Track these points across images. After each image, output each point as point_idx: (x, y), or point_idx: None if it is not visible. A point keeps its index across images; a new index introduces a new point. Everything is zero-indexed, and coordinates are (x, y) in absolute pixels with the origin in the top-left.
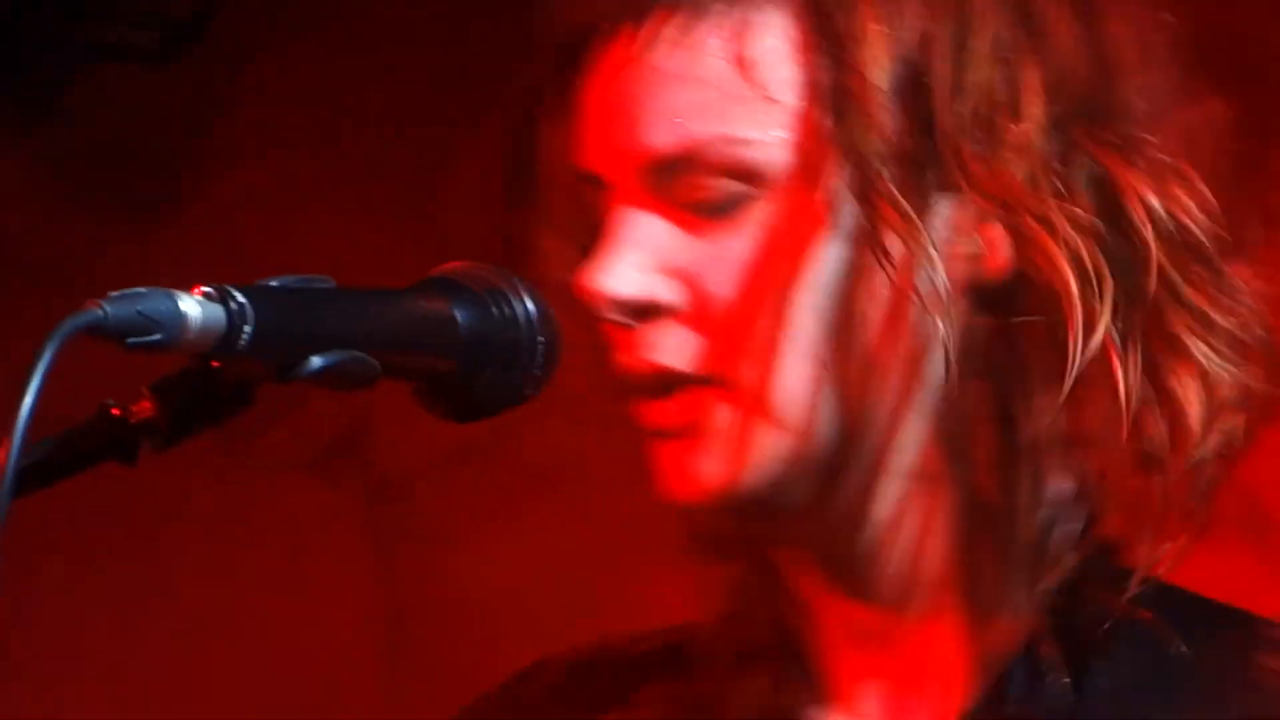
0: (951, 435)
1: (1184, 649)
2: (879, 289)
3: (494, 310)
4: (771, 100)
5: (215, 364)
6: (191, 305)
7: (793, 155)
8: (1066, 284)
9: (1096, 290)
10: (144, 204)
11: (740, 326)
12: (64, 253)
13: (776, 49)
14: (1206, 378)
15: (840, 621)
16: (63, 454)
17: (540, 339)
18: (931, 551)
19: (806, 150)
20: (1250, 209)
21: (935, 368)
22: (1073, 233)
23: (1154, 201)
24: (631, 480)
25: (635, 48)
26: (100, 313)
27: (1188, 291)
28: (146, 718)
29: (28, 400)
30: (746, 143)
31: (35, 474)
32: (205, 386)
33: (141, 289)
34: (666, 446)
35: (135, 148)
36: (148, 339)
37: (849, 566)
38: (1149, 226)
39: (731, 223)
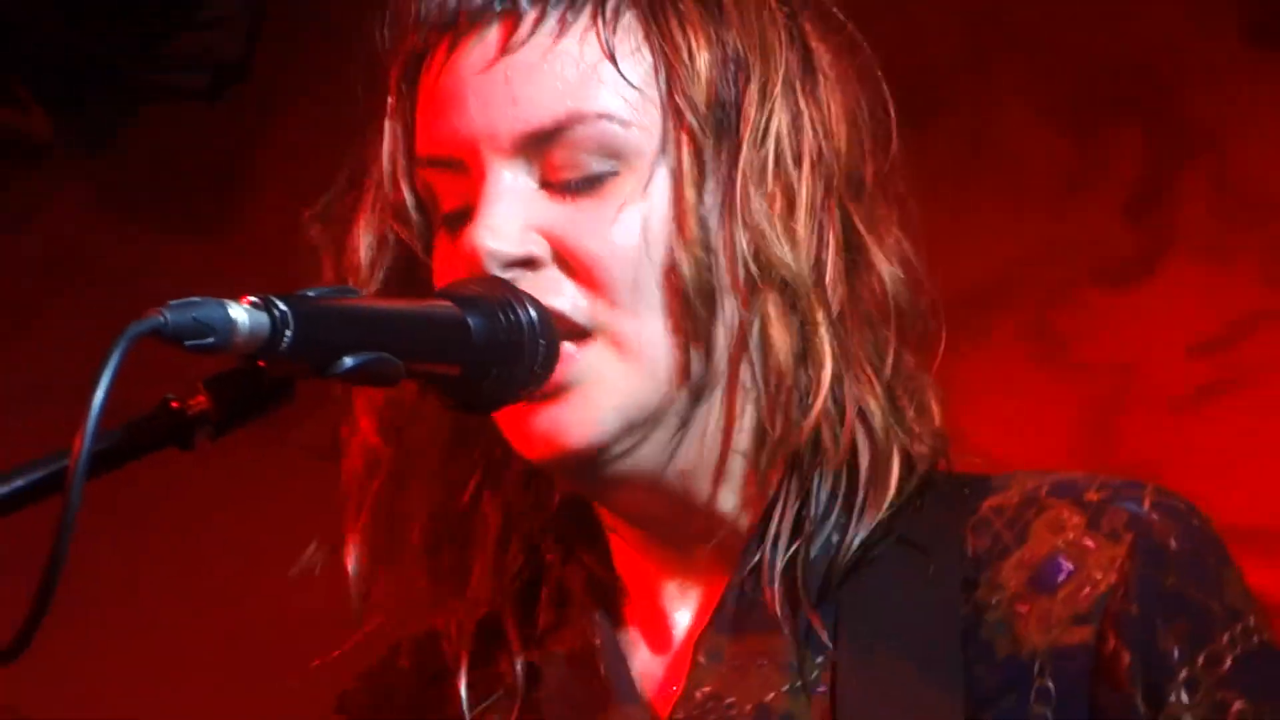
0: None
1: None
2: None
3: (501, 317)
4: (633, 87)
5: (261, 363)
6: (240, 312)
7: (647, 137)
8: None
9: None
10: (195, 223)
11: (603, 282)
12: (126, 265)
13: (634, 43)
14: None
15: (651, 563)
16: (129, 440)
17: (541, 341)
18: (732, 499)
19: (656, 133)
20: None
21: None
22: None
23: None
24: None
25: (505, 38)
26: (161, 319)
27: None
28: (195, 678)
29: (99, 393)
30: (613, 119)
31: (106, 458)
32: (252, 383)
33: (197, 298)
34: (527, 409)
35: (188, 174)
36: (203, 342)
37: (670, 516)
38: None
39: (595, 194)
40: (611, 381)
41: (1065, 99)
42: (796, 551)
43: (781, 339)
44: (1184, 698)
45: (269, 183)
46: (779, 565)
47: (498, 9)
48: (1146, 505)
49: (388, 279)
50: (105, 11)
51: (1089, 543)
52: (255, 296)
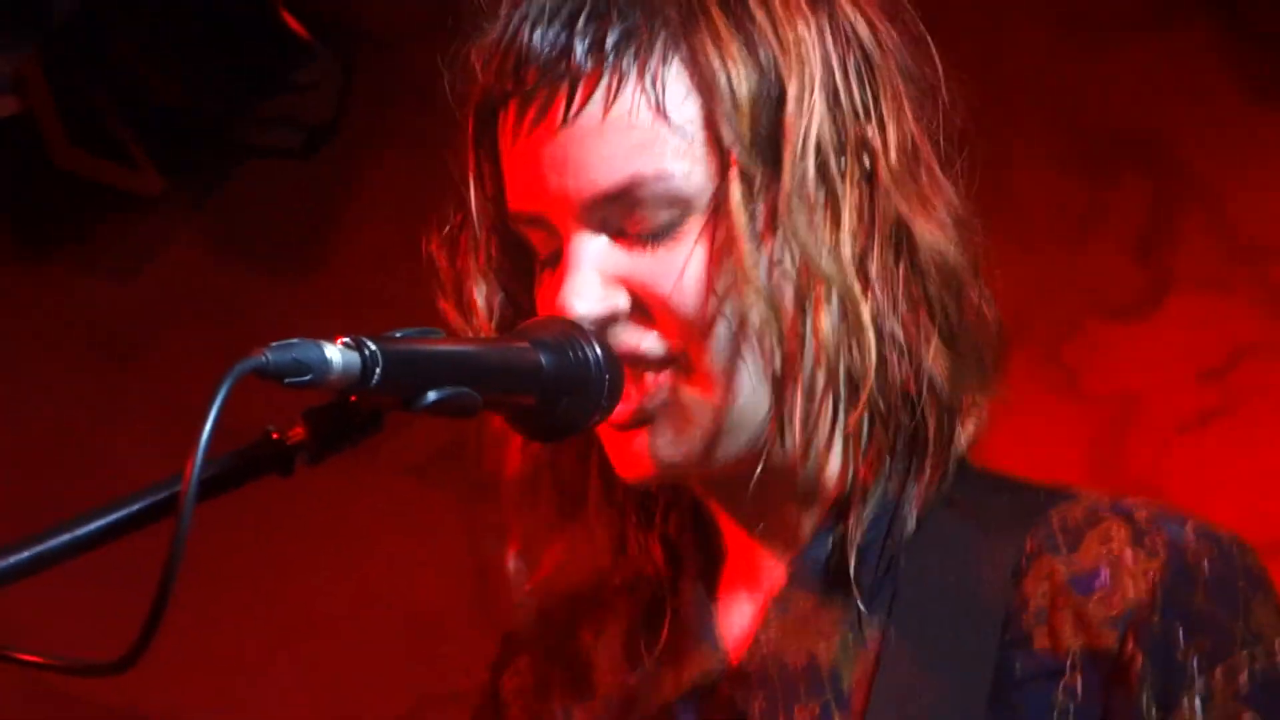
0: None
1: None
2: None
3: (570, 354)
4: (685, 138)
5: (352, 398)
6: (335, 352)
7: (705, 176)
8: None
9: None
10: (291, 269)
11: (678, 323)
12: (229, 307)
13: (682, 90)
14: (951, 358)
15: (743, 529)
16: (235, 468)
17: (607, 376)
18: (813, 474)
19: (713, 169)
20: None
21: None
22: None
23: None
24: None
25: (565, 110)
26: (263, 359)
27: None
28: (287, 660)
29: (208, 425)
30: (673, 175)
31: (214, 484)
32: (345, 415)
33: (295, 340)
34: (624, 436)
35: (284, 225)
36: (301, 379)
37: (748, 498)
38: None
39: (666, 242)
40: (691, 408)
41: (1076, 149)
42: (868, 517)
43: (829, 333)
44: (1197, 707)
45: (358, 232)
46: (852, 531)
47: (555, 73)
48: (1188, 529)
49: (502, 315)
50: (211, 76)
51: (1128, 555)
52: (348, 337)
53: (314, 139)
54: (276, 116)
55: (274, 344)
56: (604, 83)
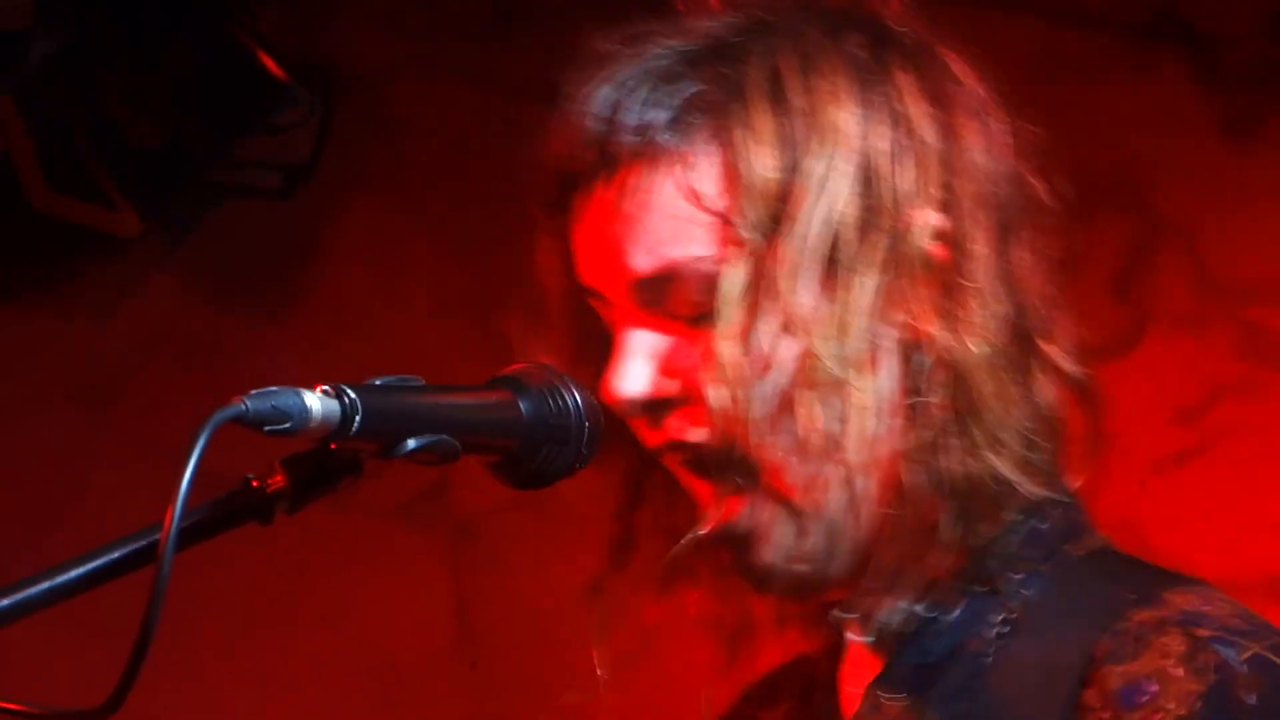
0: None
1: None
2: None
3: (550, 402)
4: (721, 218)
5: (332, 445)
6: (314, 400)
7: (738, 258)
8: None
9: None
10: (267, 307)
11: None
12: (205, 344)
13: (713, 179)
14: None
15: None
16: (215, 516)
17: (587, 424)
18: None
19: (743, 251)
20: None
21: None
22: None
23: None
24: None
25: (610, 194)
26: (243, 407)
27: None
28: (269, 707)
29: (187, 474)
30: (706, 259)
31: (194, 531)
32: (324, 462)
33: (274, 388)
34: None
35: (260, 264)
36: (279, 427)
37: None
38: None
39: (706, 325)
40: (774, 526)
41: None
42: (956, 621)
43: (816, 420)
44: None
45: (335, 273)
46: (911, 627)
47: (605, 155)
48: (1243, 656)
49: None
50: (189, 117)
51: (1179, 672)
52: (327, 385)
53: (292, 180)
54: (254, 158)
55: (253, 392)
56: (645, 168)
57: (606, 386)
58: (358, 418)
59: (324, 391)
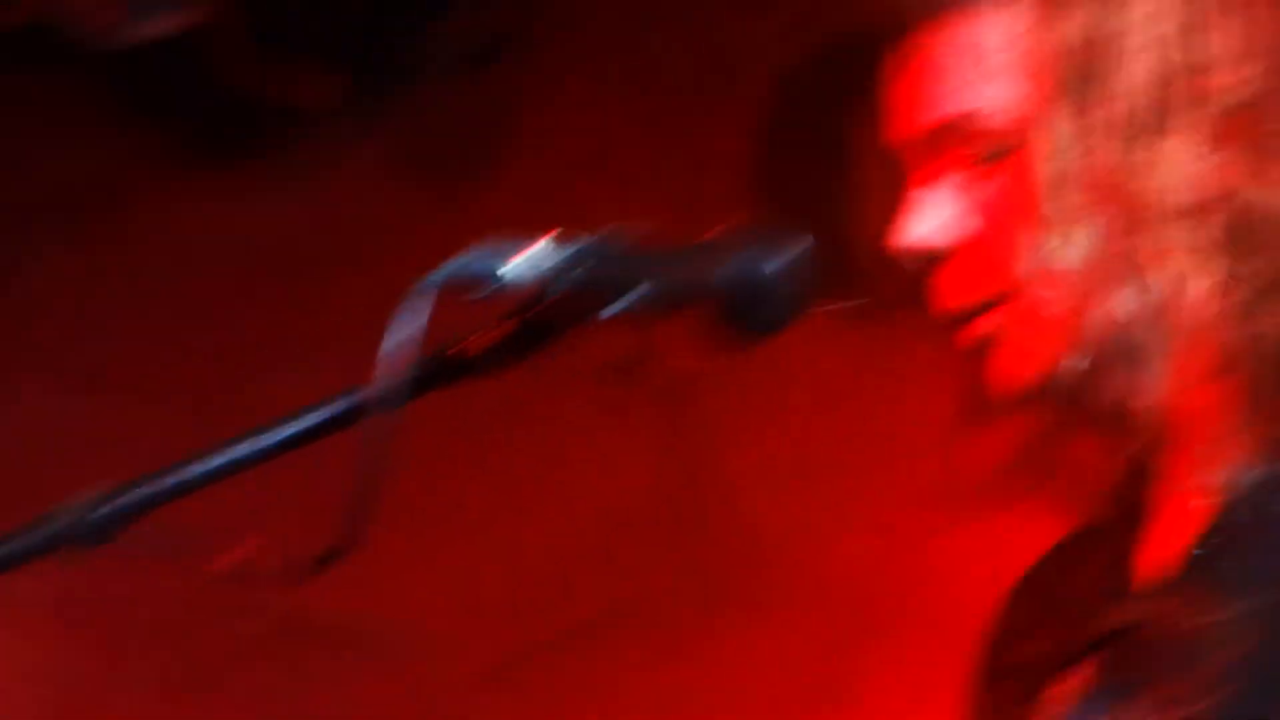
0: None
1: None
2: None
3: (764, 258)
4: (1010, 73)
5: (548, 300)
6: (522, 258)
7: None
8: None
9: None
10: (465, 178)
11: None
12: (405, 217)
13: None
14: None
15: None
16: (442, 368)
17: (800, 282)
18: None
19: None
20: None
21: None
22: None
23: None
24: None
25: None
26: (457, 266)
27: None
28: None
29: (417, 331)
30: (998, 113)
31: (424, 382)
32: (537, 320)
33: (483, 247)
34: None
35: (459, 135)
36: (496, 285)
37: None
38: None
39: (995, 168)
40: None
41: None
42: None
43: None
44: None
45: (536, 148)
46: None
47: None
48: None
49: None
50: None
51: None
52: (540, 236)
53: (490, 53)
54: (454, 31)
55: (471, 248)
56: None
57: (893, 236)
58: (580, 268)
59: (528, 250)
